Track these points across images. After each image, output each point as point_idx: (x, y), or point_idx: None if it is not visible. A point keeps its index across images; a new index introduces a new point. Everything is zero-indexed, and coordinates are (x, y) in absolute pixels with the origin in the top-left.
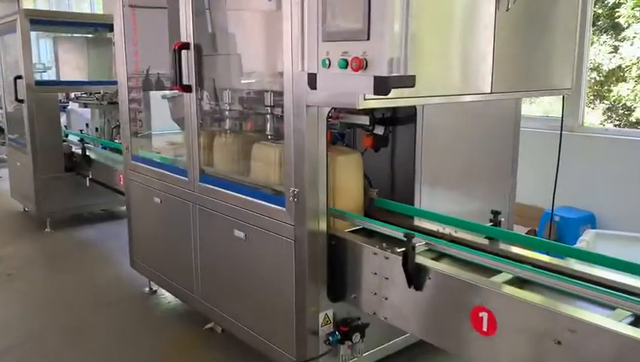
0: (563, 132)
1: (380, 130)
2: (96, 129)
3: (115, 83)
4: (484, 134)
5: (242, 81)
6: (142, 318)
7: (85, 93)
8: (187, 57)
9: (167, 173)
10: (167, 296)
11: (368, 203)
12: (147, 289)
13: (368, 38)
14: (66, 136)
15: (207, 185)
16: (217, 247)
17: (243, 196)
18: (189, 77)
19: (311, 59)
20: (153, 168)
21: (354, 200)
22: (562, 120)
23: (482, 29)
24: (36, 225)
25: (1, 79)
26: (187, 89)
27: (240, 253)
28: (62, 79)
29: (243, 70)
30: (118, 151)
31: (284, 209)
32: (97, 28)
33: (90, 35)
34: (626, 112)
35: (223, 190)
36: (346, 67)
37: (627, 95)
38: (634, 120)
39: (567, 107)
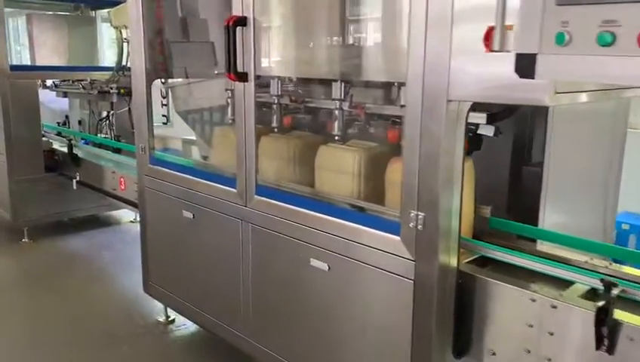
0: None
1: (488, 131)
2: (79, 122)
3: (105, 69)
4: (595, 138)
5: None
6: (161, 357)
7: (65, 81)
8: (243, 36)
9: (205, 181)
10: (189, 326)
11: (479, 223)
12: (162, 317)
13: None
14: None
15: (268, 200)
16: (281, 277)
17: (324, 216)
18: (244, 62)
19: (527, 33)
20: (183, 175)
21: (464, 221)
22: None
23: None
24: (11, 235)
25: None
26: (242, 77)
27: (319, 288)
28: (37, 64)
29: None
30: (111, 148)
31: (398, 238)
32: (80, 4)
33: (69, 14)
34: None
35: (292, 207)
36: (612, 43)
37: None
38: None
39: None
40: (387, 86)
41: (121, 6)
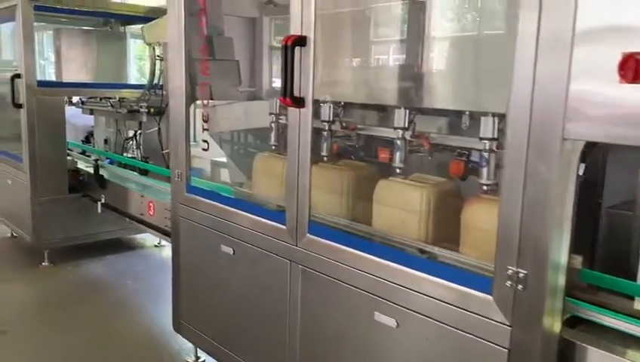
0: None
1: (579, 170)
2: (105, 141)
3: (135, 87)
4: None
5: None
6: None
7: (91, 98)
8: (302, 58)
9: (248, 214)
10: None
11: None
12: (192, 358)
13: None
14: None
15: (322, 240)
16: (337, 331)
17: (391, 263)
18: (301, 86)
19: None
20: (223, 206)
21: None
22: None
23: None
24: (31, 258)
25: None
26: (299, 103)
27: (384, 347)
28: (64, 80)
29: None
30: (138, 169)
31: (489, 298)
32: (110, 19)
33: (98, 29)
34: None
35: (351, 250)
36: None
37: None
38: None
39: None
40: (455, 113)
41: (156, 22)
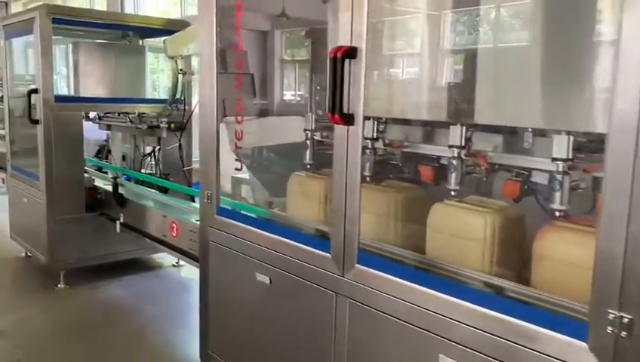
0: None
1: None
2: (123, 157)
3: (154, 101)
4: None
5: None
6: None
7: (109, 113)
8: (352, 71)
9: (288, 240)
10: None
11: None
12: None
13: None
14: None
15: (373, 271)
16: None
17: (456, 300)
18: (350, 101)
19: None
20: (258, 230)
21: None
22: None
23: None
24: (46, 279)
25: (5, 94)
26: (348, 120)
27: None
28: (81, 94)
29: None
30: (156, 186)
31: (583, 345)
32: (128, 32)
33: (116, 42)
34: None
35: (408, 283)
36: None
37: None
38: None
39: None
40: (511, 130)
41: (177, 35)
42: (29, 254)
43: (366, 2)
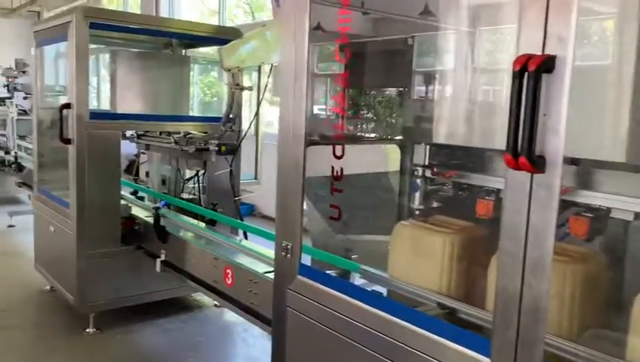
0: None
1: None
2: (163, 181)
3: (204, 120)
4: None
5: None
6: None
7: (148, 131)
8: (548, 90)
9: (410, 325)
10: None
11: None
12: None
13: None
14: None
15: None
16: None
17: None
18: (539, 136)
19: None
20: (359, 303)
21: None
22: None
23: None
24: (73, 321)
25: (35, 107)
26: (539, 166)
27: None
28: (119, 110)
29: None
30: (201, 217)
31: None
32: (171, 39)
33: (157, 52)
34: None
35: None
36: None
37: None
38: None
39: None
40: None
41: (233, 44)
42: (53, 288)
43: None
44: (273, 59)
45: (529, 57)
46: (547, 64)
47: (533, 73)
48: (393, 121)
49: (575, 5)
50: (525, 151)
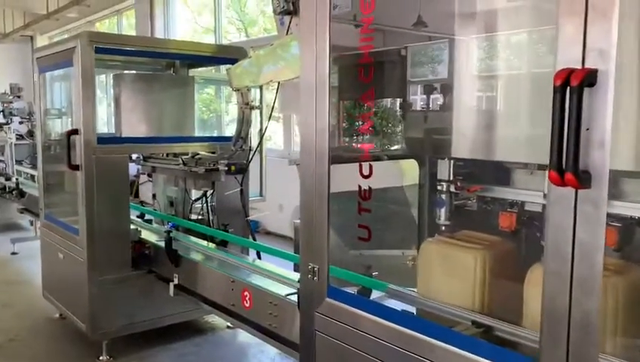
0: None
1: None
2: (171, 203)
3: (216, 139)
4: None
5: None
6: None
7: (154, 153)
8: (591, 105)
9: (446, 345)
10: None
11: None
12: None
13: None
14: None
15: None
16: None
17: None
18: (583, 150)
19: None
20: (395, 326)
21: None
22: None
23: None
24: (85, 349)
25: (38, 133)
26: (584, 181)
27: None
28: (124, 133)
29: None
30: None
31: None
32: (174, 60)
33: (159, 73)
34: None
35: None
36: None
37: None
38: None
39: None
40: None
41: (240, 64)
42: (63, 316)
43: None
44: (290, 76)
45: (570, 71)
46: (590, 78)
47: (576, 88)
48: (413, 135)
49: (615, 18)
50: (571, 167)
